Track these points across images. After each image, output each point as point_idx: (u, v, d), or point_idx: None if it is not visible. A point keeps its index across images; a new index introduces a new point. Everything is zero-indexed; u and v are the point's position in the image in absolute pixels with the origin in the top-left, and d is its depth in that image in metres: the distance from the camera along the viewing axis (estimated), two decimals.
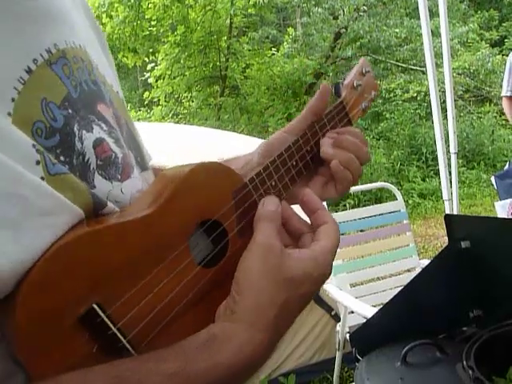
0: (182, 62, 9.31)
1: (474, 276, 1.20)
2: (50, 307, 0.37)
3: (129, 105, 11.12)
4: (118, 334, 0.41)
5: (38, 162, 0.38)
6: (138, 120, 9.77)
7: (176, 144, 3.03)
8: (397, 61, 9.94)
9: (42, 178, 0.38)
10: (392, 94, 9.35)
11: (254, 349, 0.44)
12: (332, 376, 2.29)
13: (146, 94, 9.67)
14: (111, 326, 0.40)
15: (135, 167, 0.52)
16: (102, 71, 0.54)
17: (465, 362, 0.90)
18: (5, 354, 0.37)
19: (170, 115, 9.48)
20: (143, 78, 10.13)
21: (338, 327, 2.23)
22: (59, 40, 0.45)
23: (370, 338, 1.20)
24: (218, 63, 9.43)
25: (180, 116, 9.58)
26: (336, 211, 5.34)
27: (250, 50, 9.60)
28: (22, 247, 0.36)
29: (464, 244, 1.22)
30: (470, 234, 1.22)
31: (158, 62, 9.37)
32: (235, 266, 0.48)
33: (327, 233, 0.52)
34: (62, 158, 0.42)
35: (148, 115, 9.88)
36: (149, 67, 9.50)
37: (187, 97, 9.83)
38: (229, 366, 0.42)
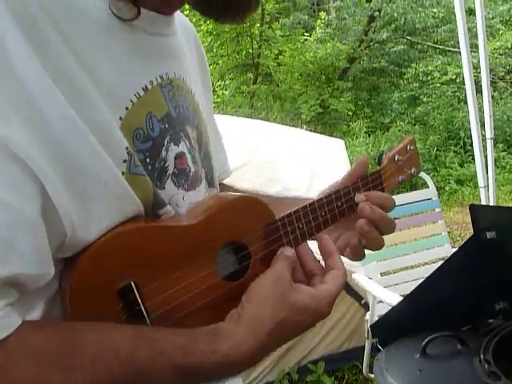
0: (214, 50, 9.33)
1: (500, 267, 1.17)
2: (98, 277, 0.48)
3: None
4: (144, 312, 0.50)
5: (124, 161, 0.49)
6: None
7: None
8: (434, 42, 9.61)
9: (123, 173, 0.48)
10: (429, 77, 9.05)
11: (248, 349, 0.52)
12: (361, 364, 2.29)
13: None
14: (140, 302, 0.50)
15: (203, 182, 0.63)
16: (198, 99, 0.66)
17: (482, 356, 0.89)
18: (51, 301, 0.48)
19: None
20: None
21: (368, 316, 2.23)
22: (170, 70, 0.58)
23: (392, 328, 1.20)
24: (250, 50, 9.40)
25: (213, 105, 9.62)
26: None
27: (282, 36, 9.50)
28: (93, 218, 0.46)
29: (489, 235, 1.19)
30: (495, 224, 1.19)
31: None
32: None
33: (334, 277, 0.60)
34: (148, 160, 0.53)
35: None
36: None
37: (220, 85, 9.86)
38: (227, 355, 0.50)
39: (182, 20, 0.70)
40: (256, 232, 0.60)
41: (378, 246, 0.71)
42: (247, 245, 0.60)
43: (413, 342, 1.09)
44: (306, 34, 9.87)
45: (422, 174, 2.80)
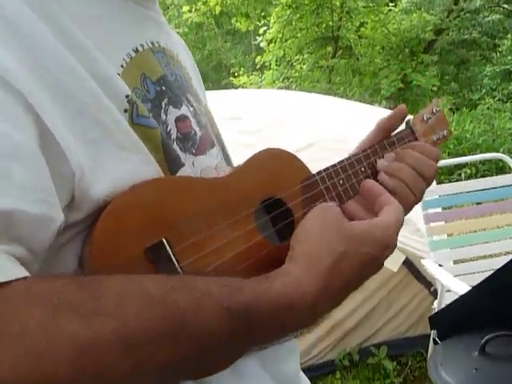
0: (293, 24, 9.18)
1: None
2: (122, 236, 0.42)
3: (241, 69, 11.33)
4: (180, 271, 0.43)
5: (125, 110, 0.45)
6: (250, 85, 9.95)
7: (283, 110, 3.05)
8: None
9: None
10: None
11: (309, 287, 0.44)
12: (426, 352, 2.23)
13: (258, 58, 9.75)
14: (176, 263, 0.43)
15: (216, 148, 0.58)
16: (191, 79, 0.63)
17: None
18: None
19: (281, 79, 9.48)
20: (256, 43, 10.21)
21: (435, 304, 2.15)
22: (161, 40, 0.56)
23: (452, 321, 1.15)
24: (330, 23, 9.14)
25: (291, 79, 9.54)
26: (449, 181, 5.01)
27: (364, 8, 9.13)
28: (96, 164, 0.42)
29: None
30: None
31: (270, 26, 9.35)
32: None
33: (390, 209, 0.53)
34: None
35: (260, 79, 9.98)
36: (261, 31, 9.53)
37: (298, 59, 9.72)
38: (284, 294, 0.42)
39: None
40: (292, 187, 0.56)
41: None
42: (285, 200, 0.55)
43: (472, 339, 1.04)
44: (390, 4, 9.40)
45: (505, 158, 2.61)
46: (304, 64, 9.68)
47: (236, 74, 10.60)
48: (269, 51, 9.45)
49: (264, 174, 0.54)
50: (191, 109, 0.56)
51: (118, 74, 0.47)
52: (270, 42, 9.42)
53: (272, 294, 0.42)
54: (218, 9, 9.37)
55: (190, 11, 9.84)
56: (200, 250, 0.45)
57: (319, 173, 0.59)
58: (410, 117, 0.74)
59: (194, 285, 0.39)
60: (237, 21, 9.49)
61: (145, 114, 0.47)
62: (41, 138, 0.38)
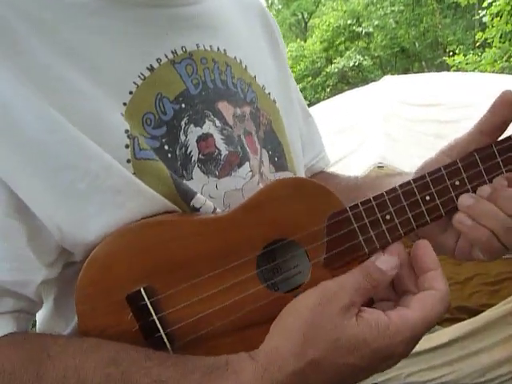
0: None
1: None
2: (104, 283, 0.42)
3: (459, 48, 10.31)
4: (158, 323, 0.42)
5: (127, 146, 0.44)
6: (467, 65, 8.98)
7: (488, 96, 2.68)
8: None
9: (128, 161, 0.43)
10: None
11: None
12: None
13: (479, 34, 8.71)
14: (152, 312, 0.42)
15: (247, 165, 0.52)
16: (254, 73, 0.57)
17: None
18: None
19: (505, 58, 8.32)
20: (477, 17, 9.14)
21: None
22: (189, 43, 0.51)
23: None
24: None
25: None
26: None
27: None
28: (88, 217, 0.42)
29: None
30: None
31: None
32: None
33: (426, 302, 0.43)
34: (166, 147, 0.47)
35: (479, 59, 8.94)
36: (485, 4, 8.46)
37: None
38: None
39: None
40: (315, 226, 0.45)
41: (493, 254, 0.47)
42: (300, 243, 0.45)
43: None
44: None
45: None
46: None
47: (451, 53, 9.70)
48: (492, 26, 8.35)
49: (278, 211, 0.45)
50: (219, 124, 0.51)
51: (125, 104, 0.45)
52: (495, 15, 8.30)
53: None
54: None
55: None
56: (186, 299, 0.42)
57: (354, 206, 0.46)
58: None
59: (129, 377, 0.39)
60: None
61: (146, 147, 0.45)
62: (17, 210, 0.41)
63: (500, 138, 0.49)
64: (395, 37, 13.63)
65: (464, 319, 2.19)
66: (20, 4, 0.42)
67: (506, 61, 8.23)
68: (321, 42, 14.09)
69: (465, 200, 0.47)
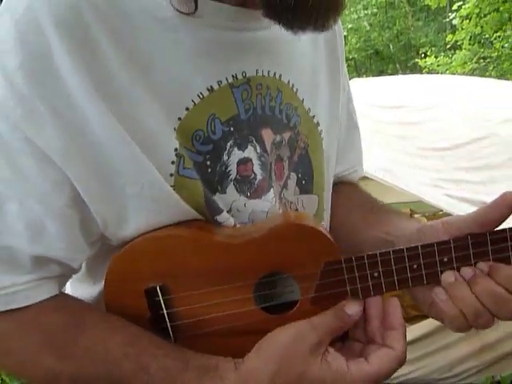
0: None
1: None
2: (128, 275, 0.51)
3: (431, 50, 10.52)
4: (166, 317, 0.51)
5: (173, 162, 0.49)
6: (438, 66, 9.16)
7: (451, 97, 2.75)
8: None
9: (171, 175, 0.49)
10: None
11: None
12: None
13: (449, 37, 8.91)
14: (164, 308, 0.51)
15: (272, 191, 0.57)
16: (302, 95, 0.60)
17: None
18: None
19: (475, 59, 8.52)
20: (447, 20, 9.33)
21: None
22: (249, 68, 0.54)
23: None
24: None
25: (488, 60, 8.50)
26: None
27: None
28: (128, 217, 0.49)
29: None
30: None
31: (467, 0, 8.41)
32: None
33: (382, 359, 0.49)
34: (208, 163, 0.52)
35: (449, 60, 9.13)
36: (455, 7, 8.65)
37: (499, 36, 8.57)
38: None
39: None
40: (311, 269, 0.52)
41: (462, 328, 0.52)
42: (295, 279, 0.52)
43: None
44: None
45: None
46: (506, 42, 8.48)
47: (423, 55, 9.88)
48: (462, 29, 8.54)
49: (282, 248, 0.51)
50: (258, 151, 0.55)
51: (179, 119, 0.49)
52: (464, 18, 8.50)
53: None
54: None
55: None
56: (192, 303, 0.51)
57: (349, 259, 0.51)
58: None
59: (141, 358, 0.48)
60: None
61: (189, 167, 0.50)
62: (76, 203, 0.47)
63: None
64: (369, 39, 13.82)
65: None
66: (102, 11, 0.45)
67: (476, 62, 8.43)
68: None
69: (448, 277, 0.52)
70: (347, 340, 0.53)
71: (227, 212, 0.53)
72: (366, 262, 0.51)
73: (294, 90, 0.60)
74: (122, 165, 0.46)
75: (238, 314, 0.52)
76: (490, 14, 8.30)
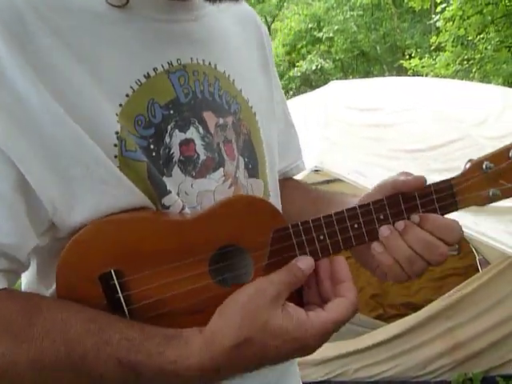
0: None
1: None
2: (81, 262, 0.50)
3: (416, 51, 10.60)
4: (122, 300, 0.51)
5: (115, 145, 0.50)
6: (422, 68, 9.25)
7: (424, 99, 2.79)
8: None
9: (115, 156, 0.50)
10: None
11: (198, 362, 0.48)
12: None
13: (433, 38, 8.99)
14: (119, 290, 0.51)
15: (220, 171, 0.59)
16: (240, 86, 0.64)
17: None
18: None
19: (458, 61, 8.61)
20: (431, 22, 9.42)
21: None
22: (184, 57, 0.57)
23: None
24: None
25: (471, 61, 8.59)
26: None
27: None
28: (76, 199, 0.49)
29: None
30: None
31: (450, 2, 8.49)
32: None
33: (338, 306, 0.52)
34: (152, 147, 0.53)
35: (433, 62, 9.22)
36: (439, 9, 8.74)
37: (483, 38, 8.67)
38: (172, 361, 0.48)
39: (240, 7, 0.68)
40: (261, 237, 0.54)
41: (400, 278, 0.57)
42: (248, 249, 0.54)
43: None
44: None
45: None
46: (489, 44, 8.59)
47: (408, 57, 9.96)
48: (445, 31, 8.63)
49: (232, 221, 0.53)
50: (201, 131, 0.57)
51: (121, 105, 0.51)
52: (448, 20, 8.58)
53: (162, 361, 0.48)
54: None
55: None
56: (149, 283, 0.51)
57: (295, 225, 0.55)
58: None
59: (103, 332, 0.48)
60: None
61: (132, 149, 0.51)
62: (22, 186, 0.48)
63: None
64: (355, 40, 13.91)
65: (409, 315, 2.27)
66: (40, 7, 0.48)
67: (459, 64, 8.52)
68: (283, 46, 14.24)
69: (384, 231, 0.57)
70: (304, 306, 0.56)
71: (177, 195, 0.55)
72: (312, 225, 0.55)
73: (231, 80, 0.63)
74: (63, 145, 0.47)
75: (195, 290, 0.52)
76: (473, 16, 8.39)
